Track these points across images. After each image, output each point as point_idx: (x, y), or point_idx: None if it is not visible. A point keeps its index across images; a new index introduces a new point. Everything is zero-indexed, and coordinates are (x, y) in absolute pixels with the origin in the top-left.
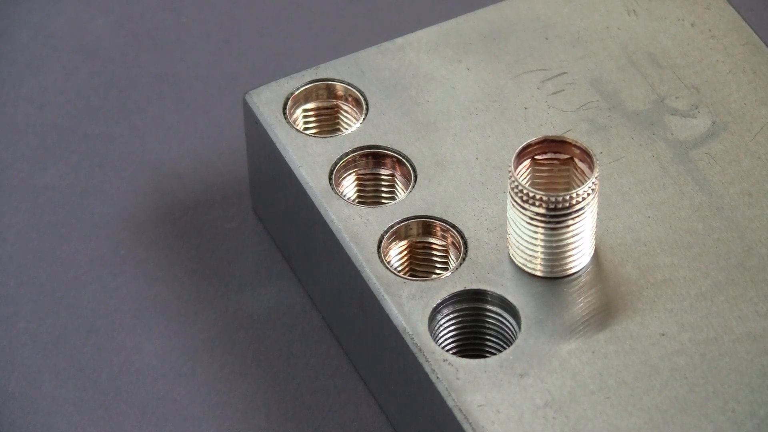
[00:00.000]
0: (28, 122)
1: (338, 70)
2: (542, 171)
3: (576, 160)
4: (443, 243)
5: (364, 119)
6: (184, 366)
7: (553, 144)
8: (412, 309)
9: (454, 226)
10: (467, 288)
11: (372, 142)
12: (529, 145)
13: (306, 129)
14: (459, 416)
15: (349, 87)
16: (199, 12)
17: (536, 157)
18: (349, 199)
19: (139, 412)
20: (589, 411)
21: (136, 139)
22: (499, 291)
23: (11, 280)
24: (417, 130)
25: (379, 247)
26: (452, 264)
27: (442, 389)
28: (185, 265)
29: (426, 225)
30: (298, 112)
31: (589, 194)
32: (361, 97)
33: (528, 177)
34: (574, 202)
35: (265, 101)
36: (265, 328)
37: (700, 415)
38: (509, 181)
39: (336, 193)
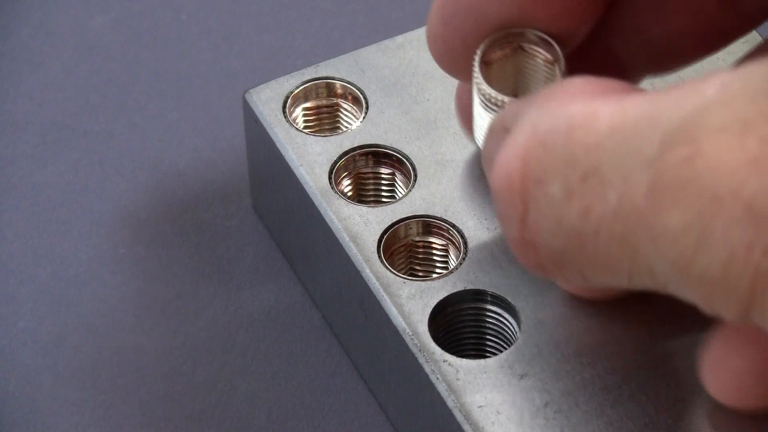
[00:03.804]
0: (27, 120)
1: (338, 68)
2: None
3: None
4: (443, 242)
5: (363, 118)
6: (183, 365)
7: (512, 36)
8: (412, 309)
9: (454, 226)
10: (467, 288)
11: (372, 141)
12: (489, 46)
13: (306, 128)
14: (459, 417)
15: (348, 85)
16: (199, 10)
17: (492, 56)
18: (348, 198)
19: (139, 412)
20: (589, 412)
21: (135, 137)
22: (499, 291)
23: (11, 278)
24: (417, 128)
25: (379, 246)
26: (452, 264)
27: (442, 390)
28: (185, 264)
29: (426, 224)
30: (298, 110)
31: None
32: (360, 95)
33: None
34: None
35: (265, 100)
36: (265, 326)
37: (701, 416)
38: (475, 84)
39: (336, 192)
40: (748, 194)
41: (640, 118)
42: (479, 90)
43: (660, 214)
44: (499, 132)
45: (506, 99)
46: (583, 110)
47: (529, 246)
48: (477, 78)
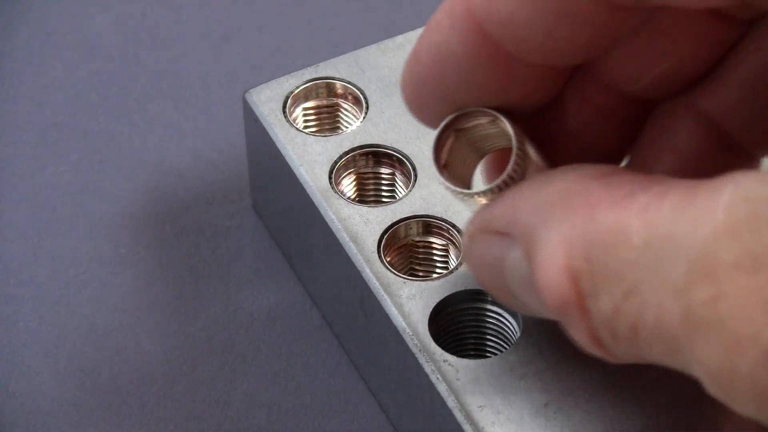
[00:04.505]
0: (27, 120)
1: (338, 68)
2: (472, 133)
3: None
4: (443, 242)
5: (364, 118)
6: (184, 365)
7: (465, 117)
8: (412, 309)
9: (454, 226)
10: (467, 288)
11: (372, 141)
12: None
13: (306, 128)
14: (459, 417)
15: (348, 85)
16: (199, 10)
17: (458, 129)
18: (349, 198)
19: (139, 412)
20: (590, 412)
21: (135, 137)
22: None
23: (11, 278)
24: (417, 128)
25: (379, 246)
26: (452, 264)
27: (442, 390)
28: (185, 264)
29: (426, 224)
30: (298, 110)
31: (518, 165)
32: (360, 95)
33: (462, 144)
34: (514, 176)
35: (265, 100)
36: (265, 326)
37: (702, 416)
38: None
39: (336, 192)
40: (766, 340)
41: (666, 238)
42: (444, 185)
43: (694, 348)
44: (491, 237)
45: (467, 191)
46: (613, 224)
47: (600, 345)
48: (438, 173)
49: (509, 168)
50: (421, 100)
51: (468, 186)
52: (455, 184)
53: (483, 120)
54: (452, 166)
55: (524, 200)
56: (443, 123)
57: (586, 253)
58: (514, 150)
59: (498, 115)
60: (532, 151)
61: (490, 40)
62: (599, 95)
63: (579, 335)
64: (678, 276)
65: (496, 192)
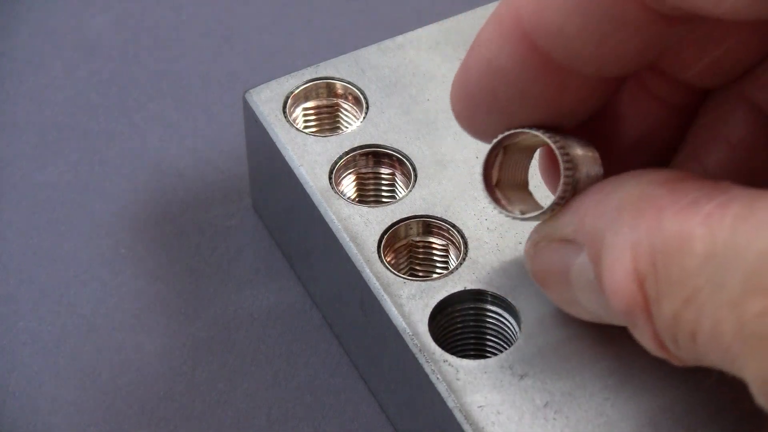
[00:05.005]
0: (28, 120)
1: (338, 68)
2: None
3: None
4: (443, 242)
5: (364, 118)
6: (184, 365)
7: (511, 136)
8: (412, 309)
9: (454, 226)
10: (467, 288)
11: (372, 141)
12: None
13: (306, 128)
14: (459, 417)
15: (349, 85)
16: (199, 10)
17: (506, 145)
18: (349, 198)
19: (139, 412)
20: (589, 412)
21: (136, 137)
22: (499, 291)
23: (11, 278)
24: (417, 128)
25: (379, 247)
26: (452, 264)
27: (442, 390)
28: (185, 264)
29: (426, 224)
30: (298, 110)
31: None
32: (361, 95)
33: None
34: (568, 189)
35: (265, 100)
36: (265, 326)
37: (703, 416)
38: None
39: (336, 192)
40: None
41: (726, 249)
42: (497, 210)
43: (746, 362)
44: (556, 245)
45: (520, 216)
46: (678, 231)
47: (665, 350)
48: (488, 196)
49: (559, 191)
50: (472, 115)
51: (525, 186)
52: (505, 206)
53: (528, 135)
54: (504, 181)
55: (591, 207)
56: (491, 144)
57: (652, 257)
58: (562, 171)
59: (542, 135)
60: (581, 153)
61: (541, 53)
62: (653, 82)
63: (644, 339)
64: (734, 287)
65: (549, 213)
